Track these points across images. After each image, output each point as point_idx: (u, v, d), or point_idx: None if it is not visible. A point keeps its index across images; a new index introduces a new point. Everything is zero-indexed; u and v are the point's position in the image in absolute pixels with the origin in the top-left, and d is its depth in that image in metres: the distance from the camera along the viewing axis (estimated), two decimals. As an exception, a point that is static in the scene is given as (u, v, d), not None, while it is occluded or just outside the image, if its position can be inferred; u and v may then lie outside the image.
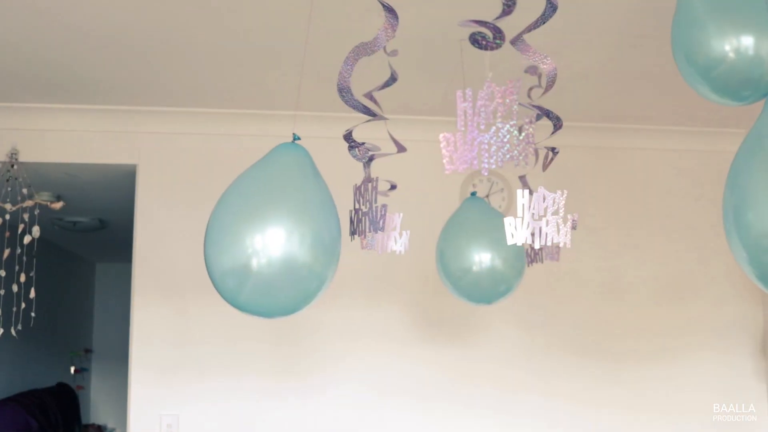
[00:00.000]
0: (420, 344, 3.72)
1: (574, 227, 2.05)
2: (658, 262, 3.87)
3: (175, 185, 3.67)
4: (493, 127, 1.39)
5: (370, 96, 2.65)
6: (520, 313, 3.77)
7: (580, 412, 3.73)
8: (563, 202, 2.05)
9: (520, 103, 2.37)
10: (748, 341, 3.89)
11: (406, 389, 3.68)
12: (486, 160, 1.38)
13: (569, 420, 3.73)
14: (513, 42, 2.00)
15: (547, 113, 2.26)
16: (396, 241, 2.44)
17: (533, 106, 2.22)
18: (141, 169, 3.69)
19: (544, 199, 2.05)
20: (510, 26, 1.79)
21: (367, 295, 3.71)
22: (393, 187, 2.72)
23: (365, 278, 3.66)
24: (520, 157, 1.38)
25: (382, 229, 2.04)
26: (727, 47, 1.70)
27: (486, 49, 1.49)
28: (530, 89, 2.27)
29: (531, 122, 1.41)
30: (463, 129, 1.39)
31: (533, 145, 1.42)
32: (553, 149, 2.17)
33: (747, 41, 1.69)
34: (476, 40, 1.48)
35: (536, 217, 2.05)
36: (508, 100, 1.39)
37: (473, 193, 2.72)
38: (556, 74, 2.02)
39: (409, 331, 3.72)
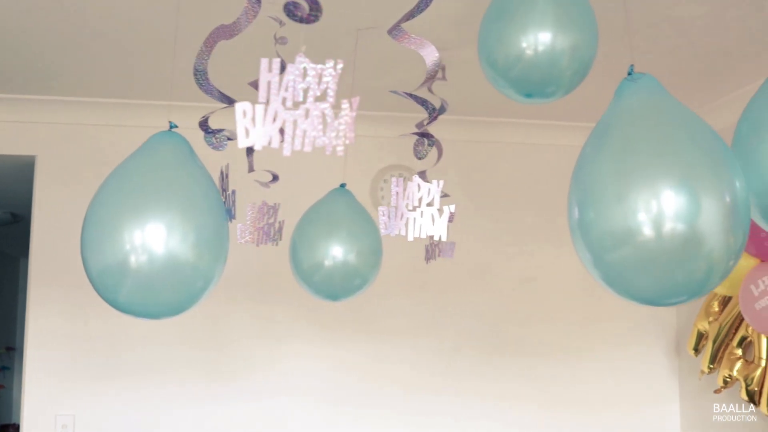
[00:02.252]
0: (328, 345, 3.65)
1: (450, 220, 1.98)
2: (571, 257, 3.80)
3: (74, 177, 3.55)
4: (303, 106, 1.29)
5: (255, 84, 2.57)
6: (428, 312, 3.73)
7: (494, 410, 3.71)
8: (439, 193, 1.99)
9: (392, 91, 2.30)
10: (661, 339, 3.89)
11: (314, 390, 3.61)
12: (289, 140, 1.28)
13: (483, 418, 3.69)
14: (390, 31, 1.93)
15: (422, 103, 2.20)
16: (272, 233, 2.36)
17: (407, 94, 2.16)
18: (39, 161, 3.58)
19: (419, 188, 1.99)
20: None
21: (270, 293, 3.63)
22: (275, 178, 2.63)
23: (267, 275, 3.57)
24: (336, 142, 1.29)
25: (234, 216, 1.96)
26: (524, 44, 1.69)
27: (302, 21, 1.40)
28: (428, 79, 2.20)
29: (351, 108, 1.32)
30: (264, 102, 1.29)
31: (352, 131, 1.32)
32: (428, 136, 2.10)
33: (544, 38, 1.68)
34: (291, 12, 1.39)
35: (410, 207, 1.99)
36: (324, 81, 1.30)
37: (342, 185, 2.64)
38: (438, 64, 1.96)
39: (315, 332, 3.64)
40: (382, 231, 1.93)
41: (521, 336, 3.79)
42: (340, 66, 1.33)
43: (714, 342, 3.41)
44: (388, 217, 1.95)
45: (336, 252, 2.38)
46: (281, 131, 1.31)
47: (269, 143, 1.37)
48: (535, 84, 1.74)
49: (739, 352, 3.32)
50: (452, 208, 1.94)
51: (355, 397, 3.64)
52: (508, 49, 1.71)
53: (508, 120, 3.83)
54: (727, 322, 3.37)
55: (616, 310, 3.83)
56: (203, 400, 3.54)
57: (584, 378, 3.80)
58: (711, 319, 3.47)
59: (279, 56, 2.63)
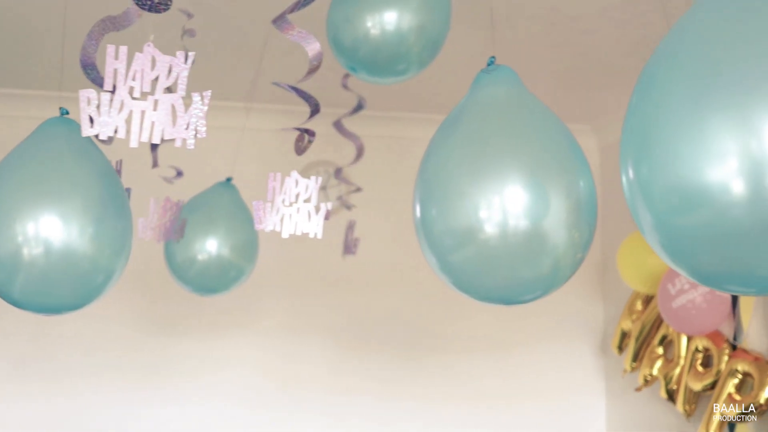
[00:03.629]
0: (245, 347, 3.61)
1: (327, 217, 1.96)
2: None
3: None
4: (152, 97, 1.28)
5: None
6: (346, 311, 3.68)
7: (416, 409, 3.67)
8: (317, 189, 1.97)
9: (275, 83, 2.28)
10: (588, 337, 3.88)
11: (231, 394, 3.56)
12: (136, 131, 1.26)
13: (405, 417, 3.66)
14: (274, 22, 1.91)
15: (305, 97, 2.18)
16: (174, 229, 2.35)
17: (291, 87, 2.14)
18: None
19: (297, 184, 1.97)
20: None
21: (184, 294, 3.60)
22: (179, 173, 2.62)
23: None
24: (186, 135, 1.27)
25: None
26: (369, 24, 1.69)
27: (151, 10, 1.38)
28: (310, 72, 2.18)
29: (203, 100, 1.31)
30: (110, 90, 1.27)
31: (204, 125, 1.30)
32: (308, 132, 2.08)
33: (389, 17, 1.68)
34: (142, 1, 1.37)
35: (287, 203, 1.97)
36: (174, 72, 1.28)
37: (228, 179, 2.63)
38: (321, 58, 1.94)
39: (233, 334, 3.61)
40: (256, 226, 1.91)
41: (444, 332, 3.74)
42: (190, 59, 1.32)
43: (636, 341, 3.41)
44: (263, 212, 1.93)
45: (210, 246, 2.38)
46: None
47: (115, 133, 1.35)
48: (384, 63, 1.74)
49: (660, 350, 3.33)
50: (329, 205, 1.92)
51: (273, 400, 3.58)
52: (354, 29, 1.72)
53: (420, 116, 3.76)
54: (649, 321, 3.37)
55: (542, 306, 3.78)
56: (110, 400, 3.48)
57: (509, 375, 3.78)
58: (634, 317, 3.47)
59: (185, 49, 2.60)
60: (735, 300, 3.01)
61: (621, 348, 3.55)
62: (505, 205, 1.27)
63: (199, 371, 3.55)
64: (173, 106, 1.31)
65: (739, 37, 0.94)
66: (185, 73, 1.36)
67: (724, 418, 2.87)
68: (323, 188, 3.63)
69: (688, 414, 3.15)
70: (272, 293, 3.62)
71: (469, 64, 3.01)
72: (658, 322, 3.31)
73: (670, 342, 3.29)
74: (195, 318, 3.54)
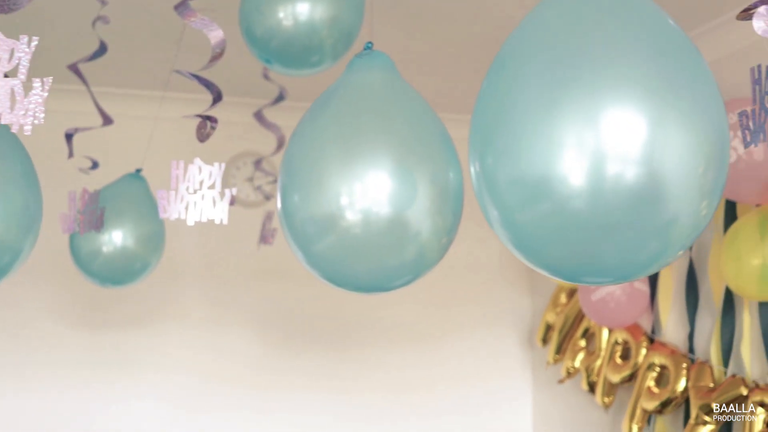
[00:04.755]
0: (166, 341, 3.55)
1: (232, 203, 1.95)
2: None
3: None
4: None
5: (74, 67, 2.51)
6: (270, 303, 3.64)
7: (340, 400, 3.66)
8: (221, 175, 1.95)
9: (176, 71, 2.26)
10: (515, 328, 3.91)
11: (153, 391, 3.52)
12: None
13: (331, 409, 3.65)
14: (176, 8, 1.89)
15: (207, 85, 2.16)
16: (94, 220, 2.33)
17: (192, 75, 2.12)
18: None
19: (201, 171, 1.95)
20: None
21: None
22: (95, 165, 2.59)
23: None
24: (24, 121, 1.24)
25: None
26: (281, 15, 1.68)
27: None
28: (213, 59, 2.16)
29: (44, 86, 1.28)
30: None
31: (42, 111, 1.27)
32: (210, 119, 2.06)
33: (301, 8, 1.67)
34: None
35: (191, 190, 1.96)
36: (16, 56, 1.25)
37: (138, 170, 2.61)
38: (224, 45, 1.92)
39: (155, 329, 3.55)
40: (161, 214, 1.89)
41: (370, 323, 3.72)
42: (34, 43, 1.28)
43: (560, 333, 3.44)
44: (167, 200, 1.91)
45: (115, 238, 2.37)
46: None
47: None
48: (298, 55, 1.73)
49: (583, 343, 3.36)
50: (234, 191, 1.91)
51: (197, 395, 3.52)
52: (266, 20, 1.70)
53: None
54: (572, 314, 3.40)
55: (470, 297, 3.83)
56: (33, 398, 3.41)
57: (435, 366, 3.78)
58: (558, 310, 3.51)
59: (99, 37, 2.56)
60: (654, 294, 3.06)
61: (545, 340, 3.59)
62: (366, 192, 1.26)
63: (122, 367, 3.49)
64: (12, 91, 1.28)
65: (589, 30, 0.95)
66: (27, 57, 1.32)
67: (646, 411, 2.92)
68: (249, 179, 3.61)
69: (607, 406, 3.19)
70: (196, 285, 3.58)
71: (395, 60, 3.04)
72: (581, 315, 3.35)
73: (592, 335, 3.33)
74: (117, 312, 3.49)
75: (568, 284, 3.36)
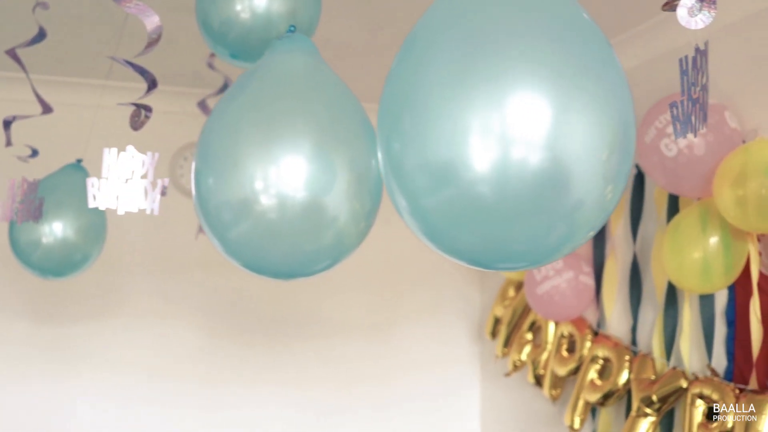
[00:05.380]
0: (110, 334, 3.50)
1: (163, 193, 1.92)
2: (373, 238, 3.74)
3: None
4: None
5: (12, 53, 2.45)
6: (207, 295, 3.59)
7: (287, 393, 3.64)
8: (154, 164, 1.92)
9: (111, 57, 2.22)
10: (464, 321, 3.91)
11: (98, 383, 3.47)
12: None
13: (277, 402, 3.62)
14: (116, -6, 1.85)
15: (141, 72, 2.13)
16: (32, 210, 2.30)
17: (127, 62, 2.08)
18: None
19: (133, 160, 1.92)
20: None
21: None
22: (34, 153, 2.54)
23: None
24: None
25: None
26: (239, 7, 1.66)
27: None
28: (149, 46, 2.13)
29: None
30: None
31: None
32: (145, 107, 2.03)
33: (258, 1, 1.65)
34: None
35: (122, 179, 1.92)
36: None
37: (79, 161, 2.57)
38: (160, 31, 1.89)
39: (98, 322, 3.50)
40: (90, 203, 1.85)
41: (318, 316, 3.71)
42: None
43: (507, 326, 3.45)
44: (98, 189, 1.87)
45: (55, 228, 2.33)
46: None
47: None
48: (255, 47, 1.70)
49: (529, 336, 3.37)
50: (166, 181, 1.87)
51: (142, 388, 3.49)
52: (222, 11, 1.68)
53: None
54: (520, 308, 3.41)
55: (419, 290, 3.83)
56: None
57: (384, 358, 3.78)
58: (506, 303, 3.52)
59: (38, 23, 2.51)
60: (599, 287, 3.08)
61: (494, 334, 3.60)
62: (282, 176, 1.24)
63: (65, 361, 3.44)
64: None
65: (497, 15, 0.94)
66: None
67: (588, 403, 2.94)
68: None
69: (554, 398, 3.21)
70: (141, 277, 3.53)
71: (347, 52, 3.01)
72: (527, 308, 3.36)
73: (539, 328, 3.34)
74: (60, 304, 3.43)
75: (516, 278, 3.37)
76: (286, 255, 1.31)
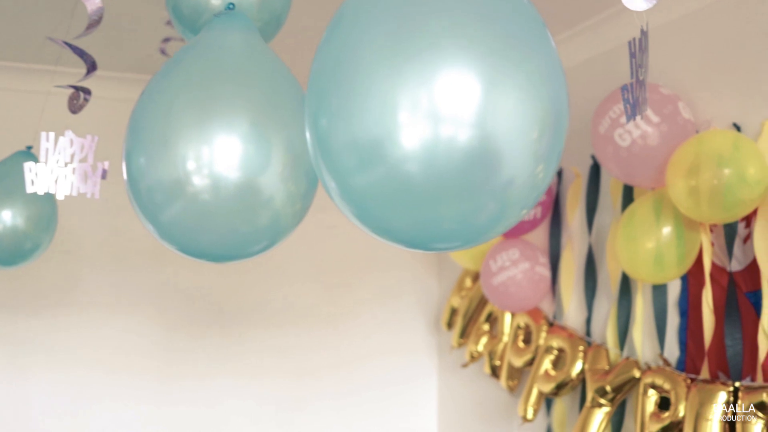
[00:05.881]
0: (62, 326, 3.42)
1: (104, 177, 1.88)
2: (327, 226, 3.72)
3: None
4: None
5: None
6: (161, 288, 3.52)
7: (243, 385, 3.60)
8: (94, 148, 1.88)
9: (49, 38, 2.17)
10: (422, 312, 3.90)
11: (48, 376, 3.39)
12: None
13: (232, 394, 3.58)
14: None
15: (80, 54, 2.08)
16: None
17: (65, 44, 2.04)
18: None
19: (72, 144, 1.88)
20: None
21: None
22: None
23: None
24: None
25: None
26: None
27: None
28: (89, 27, 2.08)
29: None
30: None
31: None
32: (84, 90, 1.99)
33: None
34: None
35: (61, 163, 1.88)
36: None
37: (29, 147, 2.52)
38: (101, 13, 1.85)
39: (50, 314, 3.42)
40: (28, 188, 1.81)
41: (272, 306, 3.66)
42: None
43: (464, 317, 3.44)
44: (36, 174, 1.83)
45: (5, 217, 2.29)
46: None
47: None
48: None
49: (486, 327, 3.37)
50: (106, 164, 1.83)
51: (92, 383, 3.40)
52: None
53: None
54: (477, 298, 3.40)
55: (376, 281, 3.80)
56: None
57: (339, 349, 3.74)
58: (463, 294, 3.51)
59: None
60: (555, 278, 3.07)
61: (450, 324, 3.59)
62: (215, 156, 1.20)
63: (15, 354, 3.35)
64: None
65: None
66: None
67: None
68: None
69: (511, 389, 3.21)
70: (95, 267, 3.46)
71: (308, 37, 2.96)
72: (485, 299, 3.35)
73: (496, 319, 3.33)
74: (10, 294, 3.36)
75: (473, 268, 3.36)
76: (221, 237, 1.28)
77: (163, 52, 2.60)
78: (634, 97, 1.32)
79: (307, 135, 1.00)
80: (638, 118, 1.27)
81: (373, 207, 0.95)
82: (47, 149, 1.82)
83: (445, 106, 0.88)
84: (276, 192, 1.25)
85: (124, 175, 1.34)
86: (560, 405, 3.01)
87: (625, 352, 2.70)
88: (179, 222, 1.26)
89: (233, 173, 1.21)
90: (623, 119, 2.38)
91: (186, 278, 3.54)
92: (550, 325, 3.04)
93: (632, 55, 1.30)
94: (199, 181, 1.21)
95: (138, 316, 3.48)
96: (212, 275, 3.57)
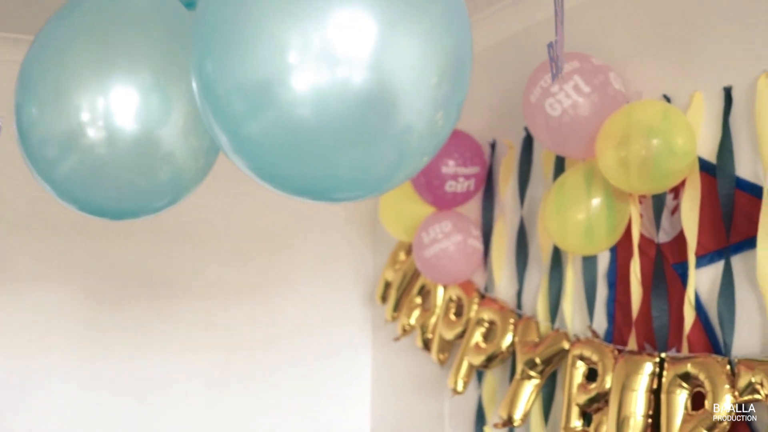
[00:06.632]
0: None
1: None
2: (259, 195, 3.60)
3: None
4: None
5: None
6: (71, 258, 3.40)
7: (172, 361, 3.51)
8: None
9: None
10: (357, 285, 3.86)
11: None
12: None
13: (162, 370, 3.49)
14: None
15: None
16: None
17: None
18: None
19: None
20: None
21: None
22: None
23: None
24: None
25: None
26: None
27: None
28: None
29: None
30: None
31: None
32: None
33: None
34: None
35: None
36: None
37: None
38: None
39: None
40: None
41: (201, 278, 3.56)
42: None
43: (397, 290, 3.41)
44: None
45: None
46: None
47: None
48: None
49: (419, 300, 3.34)
50: (1, 120, 1.74)
51: (16, 361, 3.27)
52: None
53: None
54: (410, 271, 3.37)
55: (309, 253, 3.75)
56: None
57: (271, 323, 3.67)
58: (397, 267, 3.47)
59: None
60: (487, 251, 3.06)
61: (384, 298, 3.55)
62: (110, 107, 1.13)
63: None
64: None
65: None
66: None
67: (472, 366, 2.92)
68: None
69: (442, 362, 3.19)
70: (17, 237, 3.32)
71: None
72: (418, 272, 3.32)
73: (428, 292, 3.31)
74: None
75: (407, 241, 3.32)
76: (120, 192, 1.21)
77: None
78: (557, 54, 1.30)
79: (193, 82, 0.94)
80: (561, 77, 1.25)
81: (266, 157, 0.90)
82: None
83: (339, 47, 0.83)
84: (176, 146, 1.18)
85: (14, 128, 1.26)
86: (491, 377, 3.01)
87: (556, 325, 2.70)
88: (74, 178, 1.19)
89: (130, 125, 1.14)
90: (554, 88, 2.35)
91: (113, 250, 3.44)
92: (482, 297, 3.02)
93: (556, 13, 1.29)
94: (93, 134, 1.14)
95: (62, 290, 3.37)
96: (142, 248, 3.48)
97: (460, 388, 2.94)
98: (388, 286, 3.51)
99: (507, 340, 2.80)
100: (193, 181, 1.27)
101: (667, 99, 2.35)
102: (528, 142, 2.87)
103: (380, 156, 0.89)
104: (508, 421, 2.67)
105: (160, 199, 1.26)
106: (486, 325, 2.91)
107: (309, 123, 0.84)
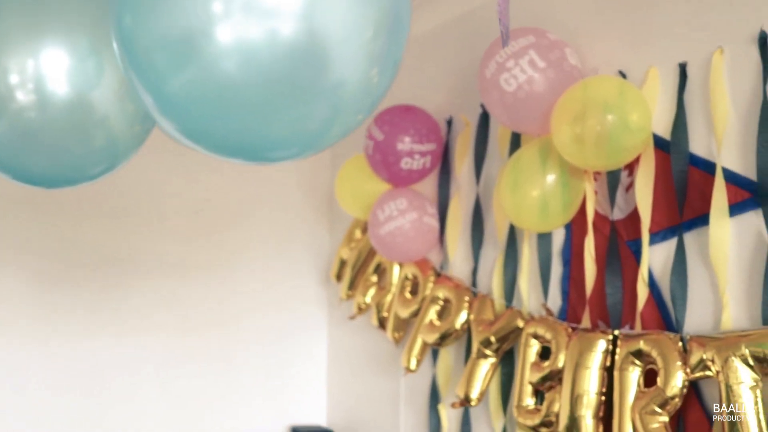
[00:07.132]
0: None
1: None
2: (214, 171, 3.56)
3: None
4: None
5: None
6: (30, 240, 3.33)
7: (124, 342, 3.45)
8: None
9: None
10: (312, 264, 3.83)
11: None
12: None
13: (113, 352, 3.43)
14: None
15: None
16: None
17: None
18: None
19: None
20: None
21: None
22: None
23: None
24: None
25: None
26: None
27: None
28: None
29: None
30: None
31: None
32: None
33: None
34: None
35: None
36: None
37: None
38: None
39: None
40: None
41: (152, 256, 3.51)
42: None
43: (353, 269, 3.38)
44: None
45: None
46: None
47: None
48: None
49: (374, 278, 3.31)
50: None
51: None
52: None
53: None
54: (366, 250, 3.34)
55: (266, 230, 3.70)
56: None
57: (226, 302, 3.64)
58: (352, 245, 3.44)
59: None
60: (443, 229, 3.03)
61: (340, 276, 3.52)
62: (41, 69, 1.08)
63: None
64: None
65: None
66: None
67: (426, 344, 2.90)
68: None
69: (397, 341, 3.17)
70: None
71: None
72: (373, 250, 3.29)
73: (384, 270, 3.28)
74: None
75: (363, 219, 3.28)
76: (53, 158, 1.16)
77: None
78: (505, 18, 1.28)
79: (113, 39, 0.89)
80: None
81: (193, 115, 0.85)
82: None
83: (268, -6, 0.78)
84: (111, 111, 1.13)
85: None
86: (446, 356, 2.99)
87: (513, 303, 2.68)
88: (5, 143, 1.13)
89: (62, 89, 1.09)
90: (510, 63, 2.32)
91: (62, 226, 3.36)
92: (438, 275, 3.00)
93: (504, -21, 1.26)
94: (23, 97, 1.09)
95: (9, 270, 3.28)
96: (93, 225, 3.40)
97: (413, 366, 2.92)
98: (343, 264, 3.47)
99: (461, 318, 2.78)
100: (130, 148, 1.22)
101: (623, 75, 2.33)
102: (485, 119, 2.85)
103: (312, 112, 0.85)
104: (465, 401, 2.65)
105: (95, 165, 1.21)
106: (441, 303, 2.88)
107: (235, 77, 0.79)
